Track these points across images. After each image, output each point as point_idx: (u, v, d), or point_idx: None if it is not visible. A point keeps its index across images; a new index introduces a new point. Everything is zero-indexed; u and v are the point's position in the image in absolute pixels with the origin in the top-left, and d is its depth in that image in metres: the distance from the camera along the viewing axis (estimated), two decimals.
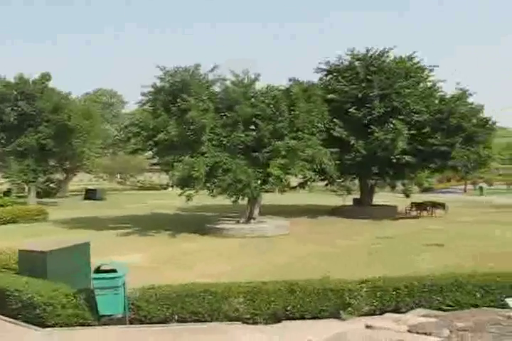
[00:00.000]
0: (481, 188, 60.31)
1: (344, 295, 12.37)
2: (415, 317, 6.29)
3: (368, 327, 6.96)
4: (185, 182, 26.92)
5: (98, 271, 12.29)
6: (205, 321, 12.16)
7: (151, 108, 29.65)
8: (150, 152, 31.38)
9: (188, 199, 27.15)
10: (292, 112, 28.30)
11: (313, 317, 12.37)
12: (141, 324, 12.12)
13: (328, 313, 12.43)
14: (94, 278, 12.08)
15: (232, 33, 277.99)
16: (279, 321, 12.28)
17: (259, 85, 30.03)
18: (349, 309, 12.30)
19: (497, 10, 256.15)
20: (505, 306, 12.22)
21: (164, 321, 12.14)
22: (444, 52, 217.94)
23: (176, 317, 12.13)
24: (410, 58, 36.00)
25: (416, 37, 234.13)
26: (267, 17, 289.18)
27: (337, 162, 31.16)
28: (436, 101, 34.86)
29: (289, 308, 12.31)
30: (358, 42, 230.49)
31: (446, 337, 5.37)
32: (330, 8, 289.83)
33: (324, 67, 37.28)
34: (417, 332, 5.94)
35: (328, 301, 12.40)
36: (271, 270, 17.81)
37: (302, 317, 12.36)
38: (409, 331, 6.17)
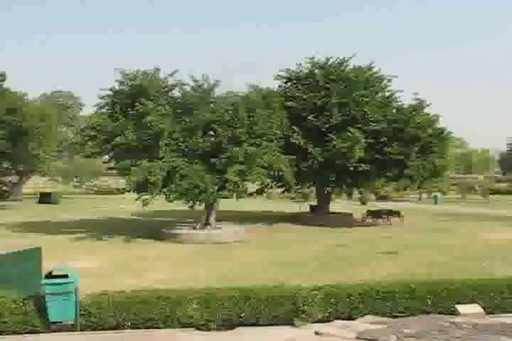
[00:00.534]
0: (435, 197, 61.28)
1: (298, 302, 12.38)
2: (364, 324, 6.34)
3: (317, 333, 7.00)
4: (142, 187, 26.67)
5: (49, 276, 12.01)
6: (158, 327, 12.01)
7: (109, 111, 29.30)
8: (107, 156, 30.99)
9: (145, 204, 26.89)
10: (251, 119, 28.34)
11: (267, 324, 12.34)
12: (92, 330, 11.90)
13: (282, 320, 12.42)
14: (45, 284, 11.79)
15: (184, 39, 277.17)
16: (232, 327, 12.22)
17: (218, 91, 30.05)
18: (303, 316, 12.31)
19: (442, 17, 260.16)
20: (454, 313, 12.50)
21: (116, 327, 11.95)
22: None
23: (129, 323, 11.95)
24: (369, 68, 36.49)
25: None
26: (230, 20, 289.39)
27: (294, 169, 31.34)
28: (394, 111, 35.36)
29: (242, 315, 12.26)
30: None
31: None
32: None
33: (284, 74, 37.48)
34: (365, 339, 5.98)
35: (281, 308, 12.39)
36: (226, 276, 17.76)
37: (256, 324, 12.33)
38: (357, 338, 6.21)
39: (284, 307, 12.41)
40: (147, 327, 11.98)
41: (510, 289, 13.51)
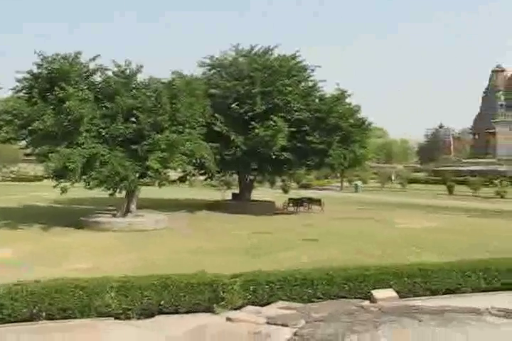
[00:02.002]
0: (356, 186, 62.78)
1: (218, 289, 12.40)
2: (275, 309, 6.45)
3: (228, 319, 7.04)
4: (61, 174, 25.97)
5: None
6: (76, 317, 11.75)
7: (27, 95, 28.24)
8: (24, 141, 29.92)
9: (63, 192, 26.25)
10: (174, 106, 28.06)
11: (188, 312, 12.31)
12: (4, 323, 11.49)
13: (203, 307, 12.41)
14: None
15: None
16: (152, 316, 12.12)
17: (141, 77, 29.58)
18: (222, 303, 12.35)
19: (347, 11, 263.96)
20: (370, 298, 12.88)
21: (30, 319, 11.59)
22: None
23: (44, 314, 11.63)
24: (293, 57, 36.81)
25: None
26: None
27: (217, 157, 31.35)
28: (317, 101, 35.88)
29: (162, 303, 12.16)
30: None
31: (300, 328, 5.53)
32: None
33: (208, 61, 37.31)
34: (275, 324, 6.07)
35: (202, 295, 12.37)
36: (146, 264, 17.57)
37: (176, 312, 12.27)
38: (267, 323, 6.29)
39: (204, 294, 12.40)
40: (64, 318, 11.70)
41: (423, 274, 14.04)
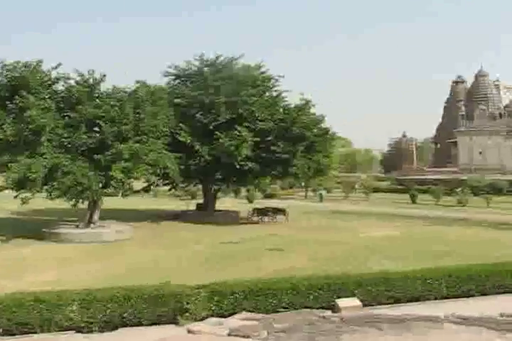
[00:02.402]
0: (320, 195, 63.01)
1: (182, 301, 12.31)
2: (238, 320, 6.44)
3: (189, 331, 6.98)
4: (22, 184, 25.49)
5: None
6: (35, 332, 11.51)
7: None
8: None
9: (24, 202, 25.79)
10: (137, 115, 27.89)
11: (151, 324, 12.19)
12: None
13: (166, 319, 12.31)
14: None
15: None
16: (115, 328, 11.96)
17: (104, 86, 29.32)
18: (186, 314, 12.25)
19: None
20: (334, 307, 12.93)
21: None
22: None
23: (1, 330, 11.33)
24: (258, 67, 36.93)
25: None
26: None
27: (181, 167, 31.15)
28: (281, 110, 35.99)
29: (125, 315, 12.02)
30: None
31: (262, 339, 5.52)
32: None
33: (173, 71, 37.23)
34: (237, 335, 6.05)
35: (165, 307, 12.28)
36: (109, 276, 17.34)
37: (139, 324, 12.14)
38: (229, 334, 6.26)
39: (168, 306, 12.30)
40: (23, 333, 11.43)
41: (386, 282, 14.19)
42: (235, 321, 6.32)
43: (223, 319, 8.41)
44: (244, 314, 11.06)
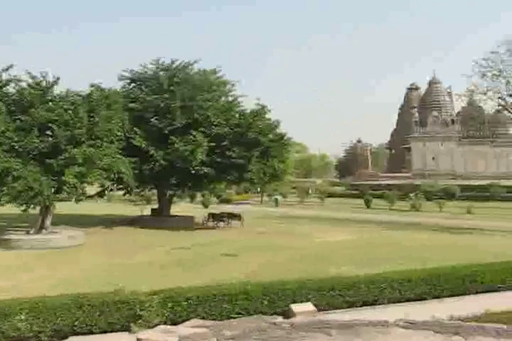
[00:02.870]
0: (276, 200, 63.29)
1: (135, 307, 12.13)
2: (187, 328, 6.38)
3: (138, 340, 6.88)
4: None
5: None
6: None
7: None
8: None
9: None
10: (91, 119, 27.52)
11: (104, 332, 11.97)
12: None
13: (119, 326, 12.11)
14: None
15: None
16: (65, 337, 11.69)
17: (58, 89, 28.87)
18: (140, 321, 12.08)
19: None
20: (289, 312, 12.94)
21: None
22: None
23: None
24: (214, 72, 36.91)
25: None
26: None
27: (136, 171, 30.86)
28: (237, 116, 36.03)
29: (76, 323, 11.77)
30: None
31: None
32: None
33: (128, 75, 36.91)
34: None
35: (118, 314, 12.07)
36: (61, 283, 16.97)
37: (91, 332, 11.90)
38: None
39: (121, 313, 12.10)
40: None
41: (340, 287, 14.27)
42: (185, 328, 6.25)
43: (173, 326, 8.34)
44: (195, 321, 10.98)
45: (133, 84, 37.41)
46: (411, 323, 4.96)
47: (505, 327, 5.28)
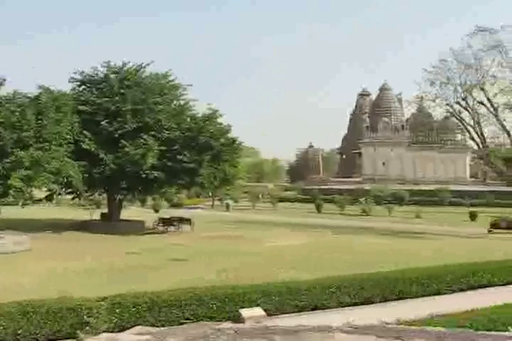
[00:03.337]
0: (227, 205, 63.31)
1: (82, 314, 11.90)
2: (130, 335, 6.27)
3: None
4: None
5: None
6: None
7: None
8: None
9: None
10: (39, 121, 27.04)
11: (49, 340, 11.70)
12: None
13: (65, 333, 11.85)
14: None
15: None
16: None
17: (4, 91, 28.28)
18: (87, 328, 11.86)
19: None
20: (239, 317, 12.93)
21: None
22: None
23: None
24: (166, 75, 36.73)
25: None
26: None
27: (85, 175, 30.43)
28: (188, 120, 35.94)
29: (20, 332, 11.44)
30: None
31: None
32: None
33: (78, 77, 36.37)
34: None
35: (64, 321, 11.81)
36: (4, 290, 16.52)
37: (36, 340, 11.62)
38: None
39: (67, 320, 11.84)
40: None
41: (290, 291, 14.34)
42: (128, 336, 6.13)
43: (117, 334, 8.23)
44: (139, 328, 10.85)
45: (83, 87, 36.88)
46: (355, 328, 5.00)
47: (446, 330, 5.39)
